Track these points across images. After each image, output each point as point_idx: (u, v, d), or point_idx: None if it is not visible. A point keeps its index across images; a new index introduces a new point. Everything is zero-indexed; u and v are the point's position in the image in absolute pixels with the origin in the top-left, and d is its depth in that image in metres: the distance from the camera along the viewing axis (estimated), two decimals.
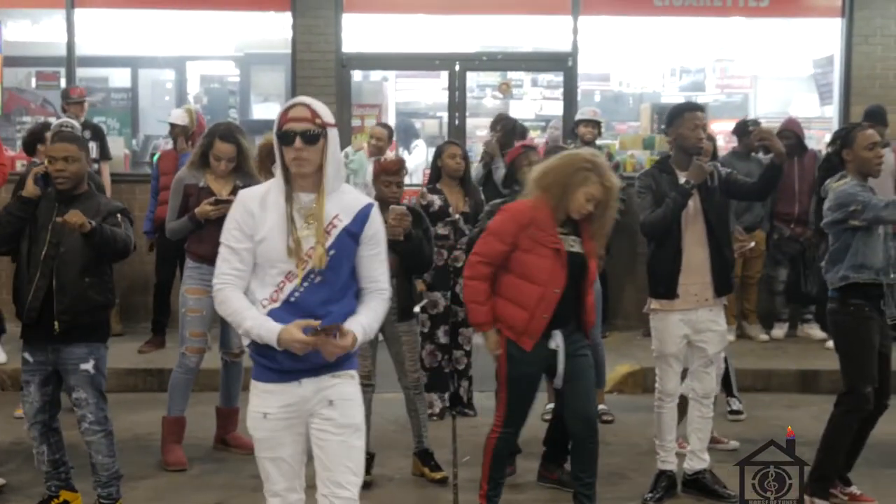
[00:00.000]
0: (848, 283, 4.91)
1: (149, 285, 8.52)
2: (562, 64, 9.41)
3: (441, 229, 6.45)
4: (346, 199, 3.42)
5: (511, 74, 10.70)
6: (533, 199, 4.51)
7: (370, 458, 5.47)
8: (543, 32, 9.79)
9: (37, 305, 4.62)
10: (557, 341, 4.52)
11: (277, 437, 3.41)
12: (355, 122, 9.64)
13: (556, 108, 11.42)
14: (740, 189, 5.23)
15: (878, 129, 8.05)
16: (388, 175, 5.44)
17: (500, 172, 7.23)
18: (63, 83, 9.77)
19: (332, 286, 3.34)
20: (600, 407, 6.67)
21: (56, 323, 4.60)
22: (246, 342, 3.42)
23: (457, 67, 9.35)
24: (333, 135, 3.36)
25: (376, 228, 3.46)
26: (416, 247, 5.32)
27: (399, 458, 5.77)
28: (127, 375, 7.47)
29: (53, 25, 10.88)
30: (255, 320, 3.30)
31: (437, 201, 6.50)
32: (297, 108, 3.34)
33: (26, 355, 4.78)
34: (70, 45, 9.47)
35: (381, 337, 5.51)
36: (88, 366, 4.72)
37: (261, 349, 3.35)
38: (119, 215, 4.76)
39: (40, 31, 10.96)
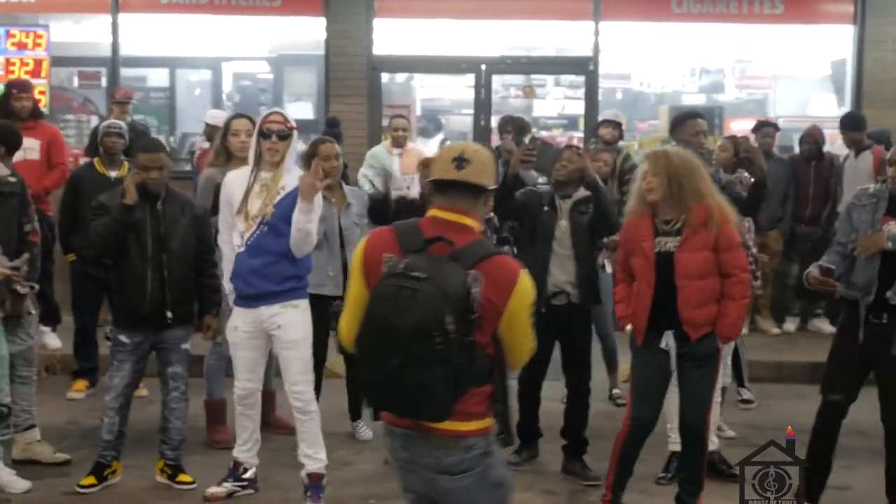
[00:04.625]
0: None
1: None
2: (583, 67, 9.78)
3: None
4: (294, 175, 4.97)
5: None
6: None
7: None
8: (566, 37, 10.17)
9: (157, 297, 5.20)
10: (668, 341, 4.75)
11: (241, 343, 5.11)
12: (385, 122, 10.00)
13: (578, 108, 11.80)
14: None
15: (853, 136, 8.49)
16: None
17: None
18: (104, 82, 10.25)
19: (275, 234, 4.90)
20: (615, 391, 7.08)
21: (169, 312, 5.21)
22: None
23: (483, 70, 9.72)
24: (295, 135, 5.03)
25: None
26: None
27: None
28: None
29: (95, 27, 11.33)
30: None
31: None
32: (274, 115, 5.02)
33: (122, 338, 5.28)
34: (115, 47, 9.93)
35: None
36: (188, 345, 5.39)
37: (235, 283, 5.02)
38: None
39: (83, 33, 11.42)
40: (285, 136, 4.95)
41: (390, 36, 9.82)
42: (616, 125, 8.70)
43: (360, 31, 9.60)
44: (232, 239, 5.08)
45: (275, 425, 6.33)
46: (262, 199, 4.94)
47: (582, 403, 5.74)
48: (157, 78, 11.81)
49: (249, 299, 5.03)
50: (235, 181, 5.10)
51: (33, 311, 5.64)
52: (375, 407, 2.99)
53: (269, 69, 12.08)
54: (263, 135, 4.96)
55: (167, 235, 5.23)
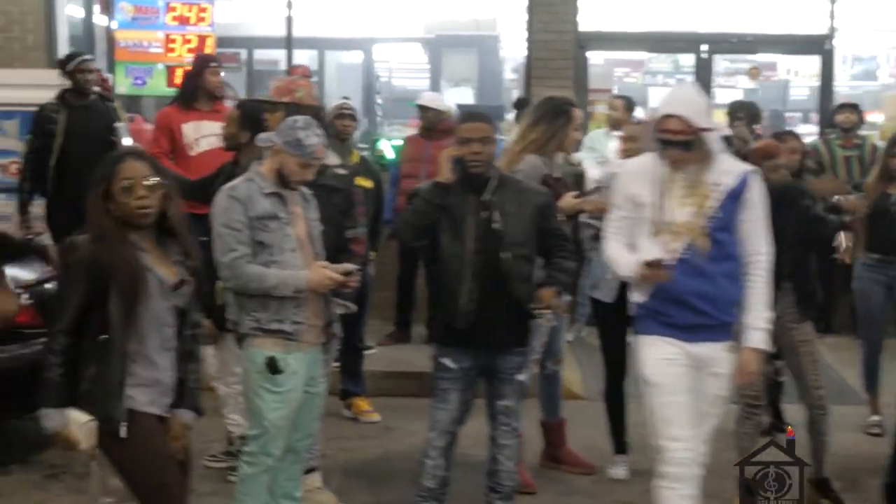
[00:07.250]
0: None
1: (390, 278, 7.82)
2: (818, 47, 8.71)
3: None
4: (724, 166, 3.81)
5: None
6: None
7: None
8: (792, 14, 9.10)
9: (472, 308, 4.11)
10: None
11: (677, 382, 3.76)
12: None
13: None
14: None
15: None
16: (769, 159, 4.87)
17: None
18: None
19: (717, 245, 3.73)
20: (873, 418, 6.13)
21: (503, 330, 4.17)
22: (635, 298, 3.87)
23: (703, 50, 8.66)
24: (708, 136, 3.73)
25: (754, 193, 3.80)
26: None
27: None
28: (385, 378, 6.87)
29: (233, 6, 10.38)
30: (626, 262, 3.84)
31: None
32: (671, 121, 3.71)
33: (445, 361, 4.24)
34: (289, 25, 8.94)
35: None
36: (524, 376, 4.31)
37: (658, 305, 3.77)
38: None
39: (224, 13, 10.47)
40: (689, 146, 3.71)
41: (598, 10, 8.71)
42: (854, 108, 7.80)
43: (566, 4, 8.49)
44: (635, 245, 3.88)
45: (567, 461, 5.35)
46: (691, 205, 3.75)
47: None
48: (305, 60, 10.83)
49: (688, 330, 3.78)
50: (638, 174, 3.88)
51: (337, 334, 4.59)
52: None
53: (424, 51, 11.14)
54: (662, 144, 3.80)
55: (498, 231, 4.13)
